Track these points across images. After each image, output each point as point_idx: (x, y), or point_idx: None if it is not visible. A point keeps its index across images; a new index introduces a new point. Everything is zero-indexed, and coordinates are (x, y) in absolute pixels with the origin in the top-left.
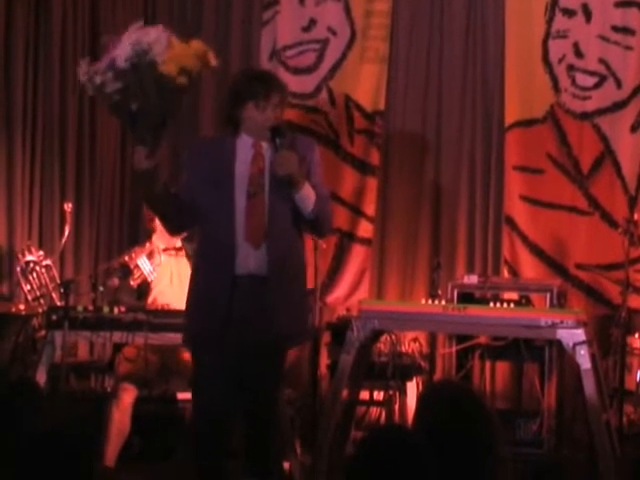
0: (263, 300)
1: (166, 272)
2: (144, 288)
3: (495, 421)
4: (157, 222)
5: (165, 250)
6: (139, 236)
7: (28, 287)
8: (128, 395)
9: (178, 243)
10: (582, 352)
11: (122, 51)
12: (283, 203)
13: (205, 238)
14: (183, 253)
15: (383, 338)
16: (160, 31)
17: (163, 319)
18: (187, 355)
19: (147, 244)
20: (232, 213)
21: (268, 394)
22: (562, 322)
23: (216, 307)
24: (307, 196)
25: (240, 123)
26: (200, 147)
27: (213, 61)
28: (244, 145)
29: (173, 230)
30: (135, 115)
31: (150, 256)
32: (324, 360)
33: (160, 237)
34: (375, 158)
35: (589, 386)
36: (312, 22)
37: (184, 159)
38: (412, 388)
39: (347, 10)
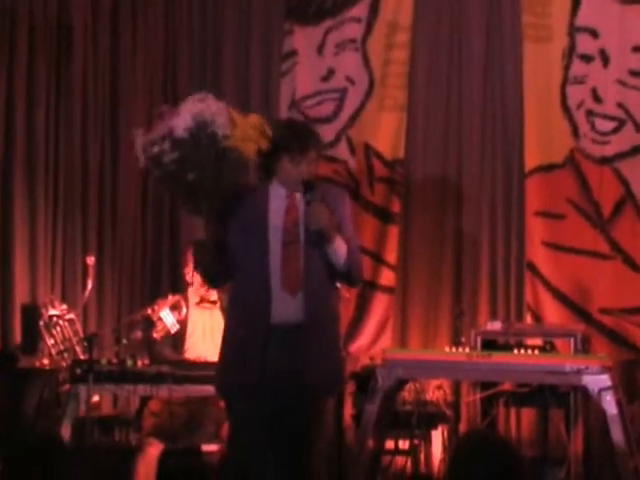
0: (299, 349)
1: (199, 325)
2: (177, 341)
3: (530, 475)
4: (194, 276)
5: (200, 303)
6: (161, 288)
7: (52, 341)
8: (154, 449)
9: (213, 296)
10: (608, 398)
11: (182, 121)
12: (318, 252)
13: (240, 287)
14: (218, 306)
15: (407, 386)
16: (221, 104)
17: (187, 371)
18: (214, 406)
19: (170, 296)
20: (267, 261)
21: (303, 446)
22: (587, 368)
23: (251, 357)
24: (339, 249)
25: (274, 173)
26: (236, 196)
27: (269, 133)
28: (277, 195)
29: (215, 284)
30: (192, 186)
31: (173, 308)
32: (349, 410)
33: (196, 290)
34: (396, 206)
35: (616, 432)
36: (330, 72)
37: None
38: (437, 436)
39: (365, 59)
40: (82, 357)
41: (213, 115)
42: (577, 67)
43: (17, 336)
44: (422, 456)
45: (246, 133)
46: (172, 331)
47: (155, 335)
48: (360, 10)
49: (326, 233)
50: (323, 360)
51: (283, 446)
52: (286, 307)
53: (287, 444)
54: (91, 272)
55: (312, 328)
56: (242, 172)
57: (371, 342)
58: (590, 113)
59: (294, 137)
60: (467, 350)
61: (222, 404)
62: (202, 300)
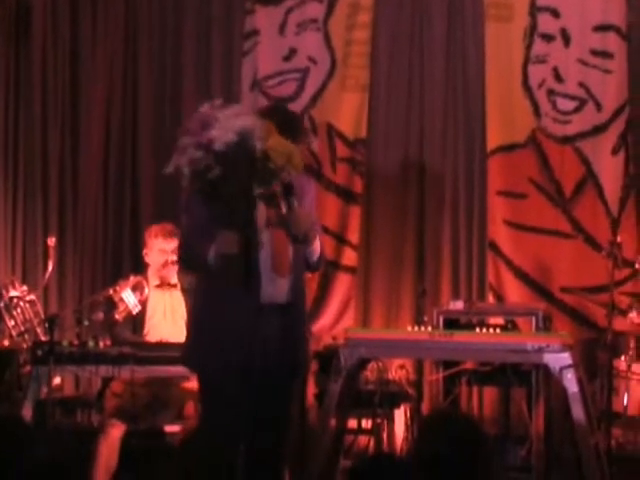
0: (285, 329)
1: (159, 307)
2: (138, 322)
3: (494, 452)
4: (152, 258)
5: (160, 286)
6: (123, 269)
7: (12, 322)
8: (116, 430)
9: (174, 279)
10: (569, 376)
11: (223, 135)
12: None
13: (225, 269)
14: (178, 288)
15: (370, 366)
16: (257, 117)
17: (149, 352)
18: (177, 387)
19: (131, 277)
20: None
21: (282, 424)
22: (548, 346)
23: (242, 338)
24: (316, 248)
25: None
26: None
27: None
28: None
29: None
30: (226, 201)
31: (135, 289)
32: (311, 389)
33: (155, 272)
34: (358, 186)
35: (577, 410)
36: (292, 51)
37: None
38: (400, 415)
39: (327, 39)
40: (43, 338)
41: (254, 130)
42: (538, 46)
43: None
44: (385, 435)
45: (281, 144)
46: (134, 312)
47: (117, 316)
48: None
49: (307, 236)
50: (303, 339)
51: (262, 429)
52: (275, 288)
53: (268, 427)
54: (52, 253)
55: (296, 309)
56: (272, 182)
57: (334, 322)
58: (551, 92)
59: (288, 127)
60: (429, 329)
61: (186, 385)
62: (162, 283)
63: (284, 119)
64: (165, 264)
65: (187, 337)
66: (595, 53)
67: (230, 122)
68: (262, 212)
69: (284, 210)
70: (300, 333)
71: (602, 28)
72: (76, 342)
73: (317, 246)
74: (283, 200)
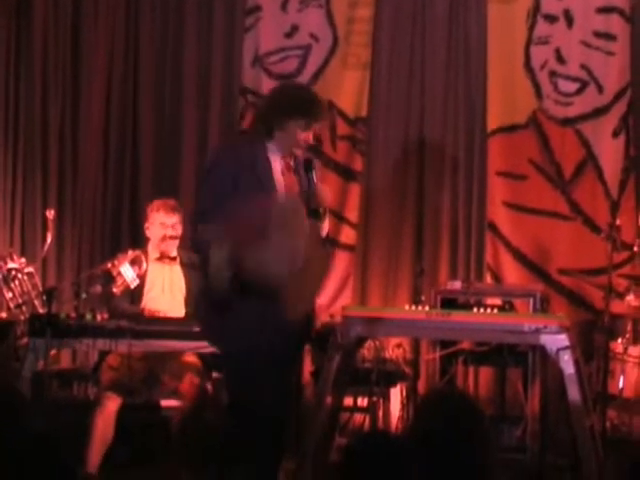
0: None
1: (158, 280)
2: (136, 295)
3: (490, 431)
4: (152, 231)
5: (160, 259)
6: (121, 243)
7: (10, 294)
8: (112, 403)
9: (174, 252)
10: (565, 357)
11: (253, 271)
12: None
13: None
14: (177, 261)
15: (367, 344)
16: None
17: (147, 326)
18: (174, 362)
19: (129, 251)
20: None
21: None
22: (545, 327)
23: (274, 315)
24: (326, 225)
25: (275, 132)
26: (232, 153)
27: None
28: (274, 154)
29: None
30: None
31: (133, 263)
32: (307, 367)
33: (155, 246)
34: (358, 164)
35: (572, 391)
36: (294, 28)
37: (212, 165)
38: (396, 394)
39: (329, 16)
40: (41, 311)
41: (283, 279)
42: (541, 27)
43: None
44: (380, 413)
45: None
46: (132, 286)
47: (115, 290)
48: None
49: (324, 212)
50: (314, 316)
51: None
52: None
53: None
54: (51, 226)
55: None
56: None
57: (331, 299)
58: (553, 74)
59: (313, 103)
60: (427, 309)
61: (185, 359)
62: (162, 256)
63: (300, 100)
64: (164, 238)
65: (209, 313)
66: (598, 35)
67: (266, 260)
68: None
69: (305, 184)
70: (313, 309)
71: (605, 10)
72: (74, 315)
73: (327, 223)
74: (304, 175)
